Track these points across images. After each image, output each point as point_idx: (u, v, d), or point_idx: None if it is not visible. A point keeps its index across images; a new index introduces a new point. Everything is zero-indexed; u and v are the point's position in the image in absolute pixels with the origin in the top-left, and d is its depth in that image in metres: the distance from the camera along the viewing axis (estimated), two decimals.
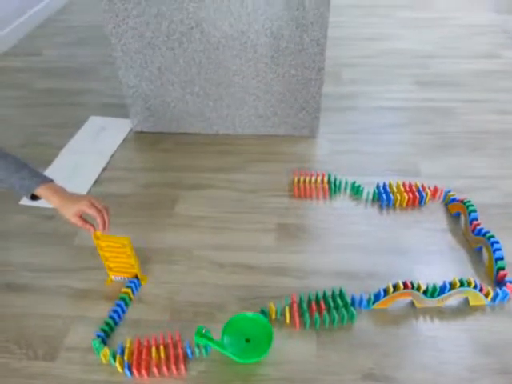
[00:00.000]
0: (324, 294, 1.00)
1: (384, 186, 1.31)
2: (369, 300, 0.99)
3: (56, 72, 2.04)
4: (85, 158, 1.48)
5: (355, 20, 2.45)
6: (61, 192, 0.94)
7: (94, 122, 1.67)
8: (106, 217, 0.96)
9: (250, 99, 1.49)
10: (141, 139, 1.58)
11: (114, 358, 0.88)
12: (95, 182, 1.39)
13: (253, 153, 1.50)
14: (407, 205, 1.27)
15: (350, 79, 1.90)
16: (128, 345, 0.90)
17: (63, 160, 1.48)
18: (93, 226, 0.96)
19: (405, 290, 0.96)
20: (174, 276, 1.09)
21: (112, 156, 1.50)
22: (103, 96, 1.84)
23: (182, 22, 1.33)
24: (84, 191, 1.34)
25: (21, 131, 1.64)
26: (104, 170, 1.44)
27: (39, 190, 0.91)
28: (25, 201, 1.32)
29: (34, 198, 0.93)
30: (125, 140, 1.57)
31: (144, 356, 0.88)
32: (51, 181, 0.95)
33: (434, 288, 0.97)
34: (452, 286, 0.97)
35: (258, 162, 1.46)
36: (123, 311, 0.99)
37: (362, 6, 2.62)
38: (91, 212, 0.93)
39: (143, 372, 0.86)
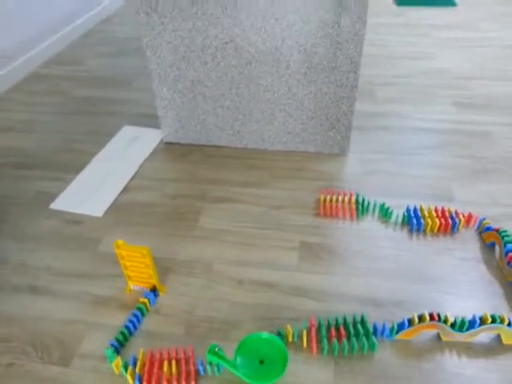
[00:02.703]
0: (344, 320, 0.96)
1: (415, 209, 1.26)
2: (392, 329, 0.94)
3: (95, 81, 2.11)
4: (115, 165, 1.51)
5: (393, 38, 2.41)
6: None
7: (127, 131, 1.71)
8: None
9: (280, 115, 1.49)
10: (170, 150, 1.60)
11: (126, 369, 0.87)
12: (123, 190, 1.41)
13: (280, 168, 1.49)
14: (438, 231, 1.21)
15: (385, 98, 1.86)
16: (141, 356, 0.89)
17: (95, 167, 1.52)
18: None
19: (431, 322, 0.91)
20: (192, 289, 1.08)
21: (141, 165, 1.52)
22: (138, 106, 1.88)
23: (217, 36, 1.34)
24: (112, 198, 1.37)
25: (58, 137, 1.70)
26: (133, 178, 1.46)
27: None
28: (55, 205, 1.35)
29: None
30: (155, 150, 1.60)
31: (156, 369, 0.87)
32: None
33: (463, 322, 0.91)
34: (482, 321, 0.91)
35: (284, 179, 1.44)
36: (139, 321, 0.99)
37: (401, 25, 2.58)
38: None
39: None
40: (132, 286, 1.07)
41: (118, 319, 1.00)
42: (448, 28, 2.52)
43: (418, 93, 1.89)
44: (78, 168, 1.52)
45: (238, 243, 1.21)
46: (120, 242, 0.98)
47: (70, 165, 1.54)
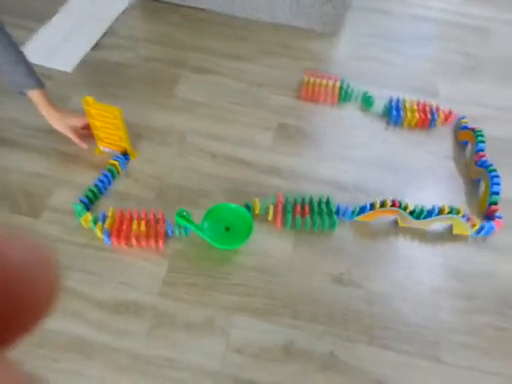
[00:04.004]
0: (311, 199, 0.99)
1: (397, 101, 1.23)
2: (353, 211, 0.98)
3: None
4: (85, 18, 1.37)
5: None
6: (52, 104, 0.97)
7: None
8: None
9: None
10: (147, 7, 1.44)
11: (95, 223, 0.89)
12: (95, 46, 1.29)
13: (267, 43, 1.39)
14: (416, 125, 1.21)
15: None
16: (110, 214, 0.91)
17: (63, 17, 1.37)
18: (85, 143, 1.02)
19: (391, 208, 0.95)
20: (164, 157, 1.07)
21: (114, 20, 1.38)
22: None
23: None
24: (82, 53, 1.26)
25: None
26: (105, 35, 1.33)
27: (31, 93, 0.94)
28: None
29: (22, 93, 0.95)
30: (130, 5, 1.44)
31: (125, 227, 0.90)
32: (43, 87, 0.96)
33: (422, 210, 0.96)
34: (440, 211, 0.96)
35: (270, 55, 1.35)
36: (109, 182, 0.99)
37: None
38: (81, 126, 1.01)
39: (122, 241, 0.89)
40: (102, 147, 1.05)
41: (87, 178, 0.99)
42: None
43: None
44: (44, 17, 1.36)
45: (214, 117, 1.17)
46: (89, 98, 0.93)
47: (35, 11, 1.38)
